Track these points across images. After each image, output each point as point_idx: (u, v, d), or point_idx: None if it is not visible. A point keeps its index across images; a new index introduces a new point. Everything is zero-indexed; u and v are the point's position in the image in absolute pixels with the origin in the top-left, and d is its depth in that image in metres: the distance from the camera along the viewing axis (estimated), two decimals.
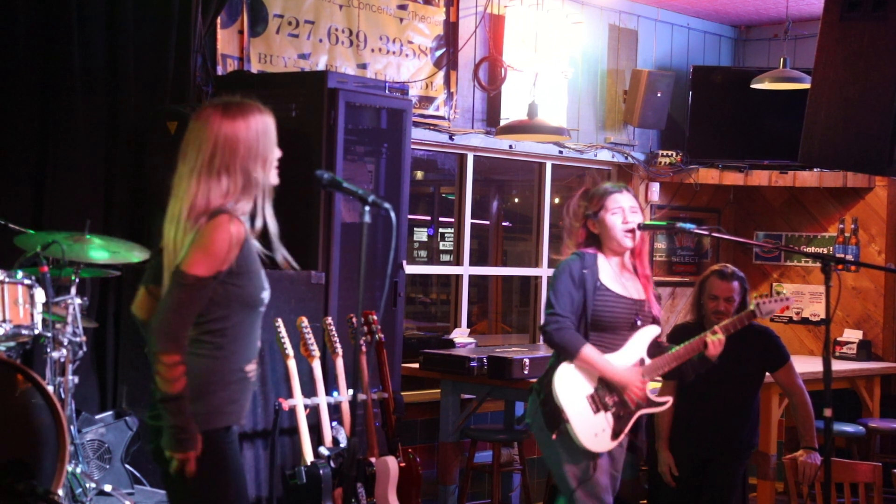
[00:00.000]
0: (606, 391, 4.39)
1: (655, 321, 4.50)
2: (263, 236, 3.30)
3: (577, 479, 4.34)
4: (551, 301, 4.38)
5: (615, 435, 4.38)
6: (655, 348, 4.50)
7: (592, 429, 4.34)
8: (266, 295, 3.29)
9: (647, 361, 4.46)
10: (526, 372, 6.21)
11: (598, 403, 4.36)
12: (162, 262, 3.24)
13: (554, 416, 4.34)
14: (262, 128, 3.23)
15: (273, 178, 3.28)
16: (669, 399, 4.55)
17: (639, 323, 4.46)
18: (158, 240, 3.32)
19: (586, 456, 4.35)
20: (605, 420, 4.36)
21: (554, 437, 4.34)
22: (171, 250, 3.18)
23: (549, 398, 4.35)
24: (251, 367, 3.28)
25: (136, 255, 4.84)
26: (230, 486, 3.22)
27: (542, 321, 4.42)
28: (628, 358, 4.43)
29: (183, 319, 3.11)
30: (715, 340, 4.47)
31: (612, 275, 4.45)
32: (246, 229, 3.19)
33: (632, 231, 4.45)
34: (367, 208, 3.19)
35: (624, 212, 4.44)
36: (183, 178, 3.19)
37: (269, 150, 3.24)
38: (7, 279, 4.47)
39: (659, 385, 5.28)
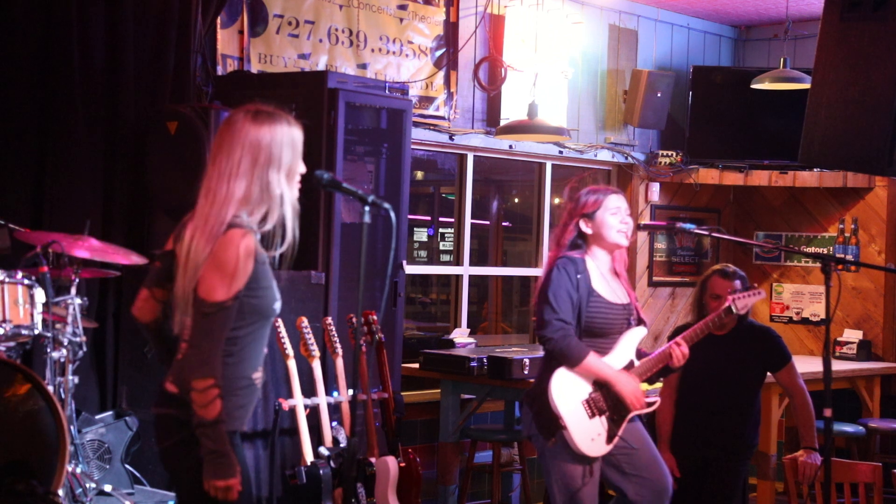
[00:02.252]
0: (601, 396, 4.40)
1: (642, 322, 4.52)
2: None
3: (570, 486, 4.35)
4: (552, 306, 4.34)
5: (609, 439, 4.39)
6: (640, 350, 4.53)
7: (589, 434, 4.35)
8: (278, 306, 3.29)
9: (637, 363, 4.48)
10: (526, 372, 6.21)
11: (593, 408, 4.37)
12: (171, 264, 3.23)
13: (550, 424, 4.34)
14: (286, 139, 3.22)
15: (295, 192, 3.26)
16: (658, 400, 4.57)
17: (631, 324, 4.48)
18: (160, 240, 3.31)
19: (581, 462, 4.35)
20: (601, 424, 4.38)
21: (551, 444, 4.34)
22: (187, 251, 3.16)
23: (544, 406, 4.35)
24: (258, 375, 3.29)
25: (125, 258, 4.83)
26: (239, 491, 3.22)
27: (543, 326, 4.35)
28: (619, 360, 4.45)
29: (214, 343, 3.11)
30: (678, 354, 4.48)
31: (602, 280, 4.45)
32: (258, 240, 3.19)
33: (625, 232, 4.45)
34: (367, 208, 3.19)
35: (621, 212, 4.46)
36: (212, 179, 3.18)
37: (292, 162, 3.23)
38: (7, 279, 4.47)
39: (660, 385, 5.29)
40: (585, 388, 4.38)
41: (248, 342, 3.22)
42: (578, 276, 4.38)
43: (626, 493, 4.49)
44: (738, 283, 5.25)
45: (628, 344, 4.48)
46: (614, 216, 4.45)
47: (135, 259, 4.87)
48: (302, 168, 3.28)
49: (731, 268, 5.34)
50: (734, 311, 4.69)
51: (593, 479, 4.38)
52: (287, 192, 3.23)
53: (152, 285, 3.35)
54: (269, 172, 3.18)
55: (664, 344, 4.65)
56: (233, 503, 3.13)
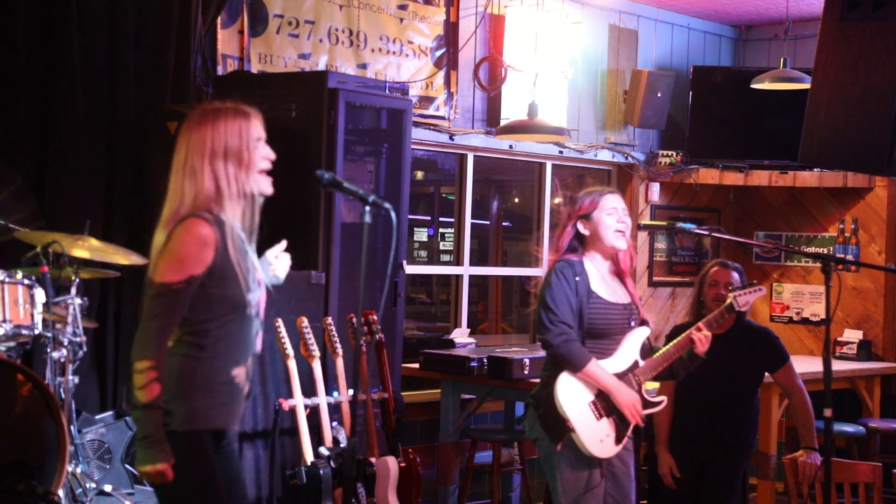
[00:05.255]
0: (608, 397, 4.38)
1: (645, 322, 4.51)
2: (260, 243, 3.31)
3: (577, 490, 4.33)
4: (552, 309, 4.30)
5: (618, 439, 4.37)
6: (646, 350, 4.51)
7: (597, 435, 4.32)
8: (253, 297, 3.24)
9: (641, 363, 4.47)
10: (526, 372, 6.21)
11: (600, 409, 4.35)
12: None
13: (558, 427, 4.32)
14: (231, 129, 3.19)
15: (260, 185, 3.24)
16: (664, 399, 4.55)
17: (632, 324, 4.47)
18: None
19: (590, 464, 4.33)
20: (609, 425, 4.35)
21: (559, 448, 4.32)
22: (152, 254, 3.21)
23: (550, 409, 4.33)
24: (239, 372, 3.23)
25: (125, 259, 4.82)
26: (212, 490, 3.18)
27: (545, 332, 4.31)
28: (623, 361, 4.43)
29: (160, 327, 3.09)
30: (701, 337, 4.46)
31: (601, 281, 4.42)
32: (225, 231, 3.16)
33: (622, 232, 4.43)
34: (367, 208, 3.19)
35: (618, 212, 4.43)
36: (169, 181, 3.23)
37: (241, 150, 3.20)
38: (7, 279, 4.47)
39: (657, 385, 5.28)
40: (592, 390, 4.36)
41: (221, 336, 3.18)
42: (577, 279, 4.35)
43: None
44: (735, 274, 5.25)
45: (632, 345, 4.46)
46: (611, 216, 4.41)
47: (135, 259, 4.87)
48: (266, 153, 3.25)
49: (729, 262, 5.37)
50: (736, 307, 4.68)
51: (600, 484, 4.36)
52: (245, 183, 3.21)
53: None
54: (217, 165, 3.17)
55: (663, 344, 4.65)
56: (168, 483, 3.10)
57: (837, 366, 7.49)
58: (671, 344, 4.51)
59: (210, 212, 3.16)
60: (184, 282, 3.09)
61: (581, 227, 4.44)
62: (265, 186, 3.26)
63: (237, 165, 3.19)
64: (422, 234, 8.26)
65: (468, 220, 7.42)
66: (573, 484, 4.32)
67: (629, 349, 4.44)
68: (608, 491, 4.44)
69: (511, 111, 7.23)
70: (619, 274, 4.51)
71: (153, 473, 3.07)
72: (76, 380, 4.69)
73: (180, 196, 3.18)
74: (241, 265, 3.20)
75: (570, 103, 7.72)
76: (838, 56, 4.85)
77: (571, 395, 4.32)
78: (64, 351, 4.63)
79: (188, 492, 3.15)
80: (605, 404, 4.37)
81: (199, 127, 3.19)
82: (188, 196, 3.17)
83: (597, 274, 4.42)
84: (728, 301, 4.69)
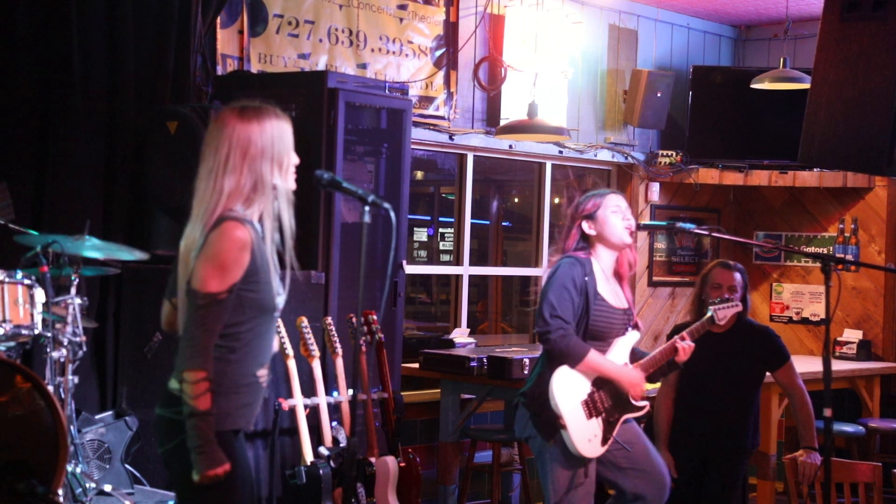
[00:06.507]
0: (600, 396, 4.41)
1: (637, 327, 4.56)
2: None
3: (566, 486, 4.36)
4: (553, 304, 4.33)
5: (604, 441, 4.41)
6: (633, 354, 4.55)
7: (586, 435, 4.36)
8: (281, 300, 3.29)
9: (630, 366, 4.50)
10: (526, 372, 6.21)
11: (591, 409, 4.38)
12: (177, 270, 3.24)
13: (550, 424, 4.35)
14: (276, 132, 3.23)
15: (290, 183, 3.28)
16: (647, 404, 4.59)
17: (628, 329, 4.52)
18: (160, 240, 3.31)
19: (578, 463, 4.36)
20: (598, 425, 4.39)
21: (551, 444, 4.35)
22: (184, 254, 3.18)
23: (544, 406, 4.36)
24: (263, 372, 3.28)
25: (133, 254, 4.83)
26: (237, 490, 3.21)
27: (543, 325, 4.33)
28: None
29: (207, 335, 3.10)
30: (685, 346, 4.52)
31: (606, 283, 4.46)
32: (256, 233, 3.19)
33: (628, 229, 4.47)
34: (366, 208, 3.20)
35: (622, 210, 4.47)
36: (202, 179, 3.21)
37: (283, 154, 3.24)
38: (7, 279, 4.47)
39: (658, 385, 5.30)
40: (585, 389, 4.39)
41: (250, 338, 3.21)
42: (586, 279, 4.38)
43: (624, 487, 4.50)
44: (738, 275, 5.27)
45: (623, 348, 4.51)
46: (615, 214, 4.46)
47: (137, 254, 4.86)
48: (295, 159, 3.30)
49: (731, 262, 5.38)
50: (715, 320, 4.78)
51: (589, 480, 4.39)
52: (281, 183, 3.24)
53: (171, 295, 3.34)
54: (261, 165, 3.20)
55: (664, 344, 4.67)
56: (229, 482, 3.14)
57: (837, 366, 7.49)
58: (657, 350, 4.58)
59: (241, 211, 3.17)
60: (228, 290, 3.11)
61: (586, 227, 4.48)
62: (293, 184, 3.30)
63: (279, 168, 3.23)
64: (422, 234, 8.25)
65: (468, 220, 7.42)
66: (564, 480, 4.36)
67: (620, 352, 4.50)
68: (624, 466, 4.48)
69: (511, 111, 7.23)
70: (618, 277, 4.54)
71: (215, 476, 3.10)
72: (76, 380, 4.69)
73: (218, 193, 3.17)
74: (270, 267, 3.23)
75: (570, 103, 7.71)
76: (838, 56, 4.85)
77: (566, 393, 4.35)
78: (64, 351, 4.63)
79: (215, 492, 3.15)
80: (596, 404, 4.39)
81: (244, 125, 3.20)
82: (225, 193, 3.17)
83: (602, 275, 4.46)
84: (709, 314, 4.76)
